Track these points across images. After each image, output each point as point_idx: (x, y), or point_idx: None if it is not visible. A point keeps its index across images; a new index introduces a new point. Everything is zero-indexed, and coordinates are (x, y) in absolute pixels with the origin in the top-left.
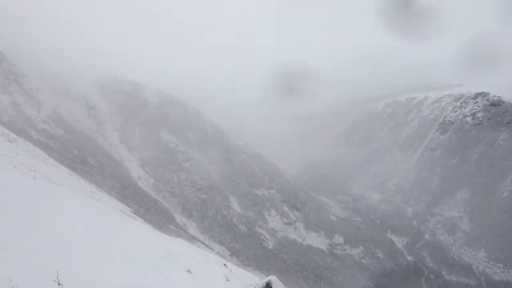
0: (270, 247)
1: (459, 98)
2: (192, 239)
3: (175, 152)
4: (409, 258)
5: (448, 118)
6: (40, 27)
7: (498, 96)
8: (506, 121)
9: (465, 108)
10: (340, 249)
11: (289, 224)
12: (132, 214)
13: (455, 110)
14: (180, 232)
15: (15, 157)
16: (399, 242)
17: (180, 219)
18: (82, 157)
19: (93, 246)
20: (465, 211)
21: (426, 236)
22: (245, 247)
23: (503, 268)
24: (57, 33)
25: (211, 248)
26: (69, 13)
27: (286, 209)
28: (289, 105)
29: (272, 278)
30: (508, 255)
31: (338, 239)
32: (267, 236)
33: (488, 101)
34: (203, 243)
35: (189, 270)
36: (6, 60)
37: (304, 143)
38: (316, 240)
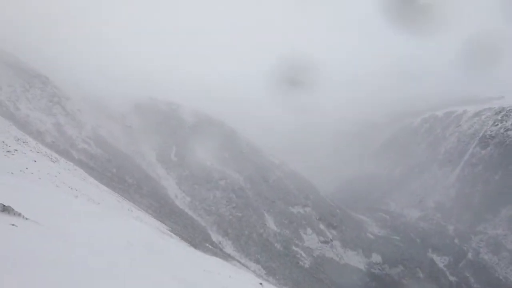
0: (307, 266)
1: (500, 112)
2: (228, 257)
3: (211, 170)
4: (452, 278)
5: (489, 132)
6: (80, 49)
7: None
8: None
9: (506, 121)
10: (379, 269)
11: (325, 242)
12: (169, 232)
13: (496, 123)
14: (216, 250)
15: (57, 176)
16: (441, 261)
17: (216, 237)
18: (120, 176)
19: (131, 263)
20: (510, 229)
21: (469, 255)
22: (281, 266)
23: None
24: (98, 54)
25: (247, 267)
26: (107, 35)
27: (322, 227)
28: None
29: None
30: None
31: (377, 258)
32: (303, 255)
33: None
34: (239, 262)
35: None
36: (50, 84)
37: (338, 159)
38: (354, 259)
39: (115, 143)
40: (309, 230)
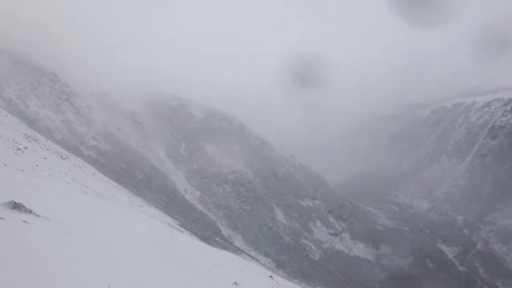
0: (316, 258)
1: (509, 102)
2: (237, 251)
3: (220, 164)
4: (461, 268)
5: (498, 123)
6: (88, 45)
7: None
8: None
9: None
10: (388, 260)
11: (335, 235)
12: (179, 227)
13: (505, 114)
14: (226, 244)
15: (67, 173)
16: (450, 252)
17: (225, 231)
18: (130, 172)
19: (142, 259)
20: None
21: (479, 245)
22: (291, 259)
23: None
24: (106, 50)
25: (257, 260)
26: (115, 32)
27: (331, 219)
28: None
29: None
30: None
31: (386, 249)
32: (313, 248)
33: None
34: (249, 255)
35: (235, 283)
36: (59, 81)
37: (349, 152)
38: (363, 251)
39: (125, 139)
40: (318, 223)
